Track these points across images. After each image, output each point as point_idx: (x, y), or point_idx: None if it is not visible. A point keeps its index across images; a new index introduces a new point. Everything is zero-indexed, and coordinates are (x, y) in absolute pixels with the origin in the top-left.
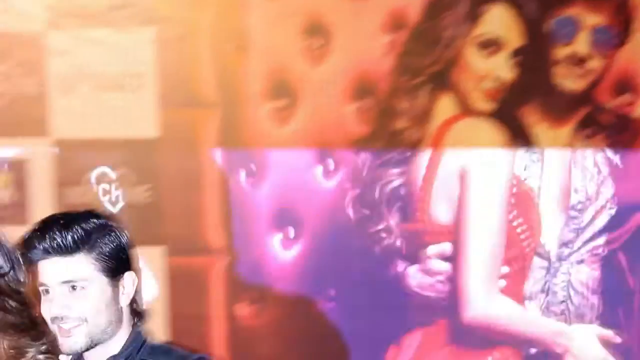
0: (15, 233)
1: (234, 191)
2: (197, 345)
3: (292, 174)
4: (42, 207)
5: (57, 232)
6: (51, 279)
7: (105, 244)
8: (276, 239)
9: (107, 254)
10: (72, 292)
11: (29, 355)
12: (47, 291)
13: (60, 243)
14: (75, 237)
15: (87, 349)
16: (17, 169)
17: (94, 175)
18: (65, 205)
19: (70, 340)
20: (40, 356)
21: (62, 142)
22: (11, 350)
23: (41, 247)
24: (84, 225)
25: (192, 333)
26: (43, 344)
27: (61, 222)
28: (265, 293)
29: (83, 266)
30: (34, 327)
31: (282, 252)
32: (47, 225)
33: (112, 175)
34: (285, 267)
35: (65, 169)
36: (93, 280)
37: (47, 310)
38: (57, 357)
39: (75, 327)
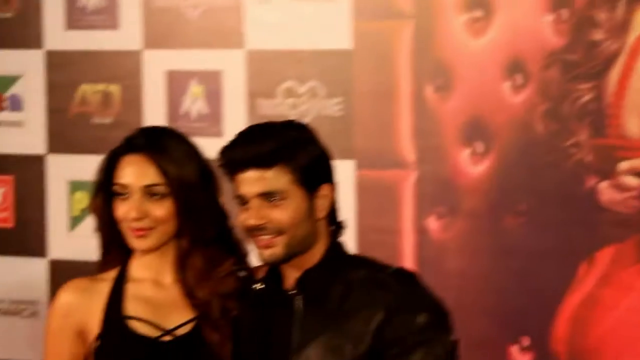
0: (209, 145)
1: (425, 105)
2: (386, 259)
3: (482, 87)
4: (235, 119)
5: (255, 143)
6: (249, 191)
7: (304, 155)
8: (465, 153)
9: (306, 165)
10: (270, 203)
11: (225, 267)
12: (244, 203)
13: (259, 154)
14: (274, 148)
15: (284, 261)
16: (212, 81)
17: (284, 87)
18: (258, 117)
19: (268, 251)
20: (235, 268)
21: (256, 53)
22: (207, 263)
23: (239, 158)
24: (282, 136)
25: (381, 246)
26: (237, 256)
27: (260, 133)
28: (455, 207)
29: (281, 178)
30: (229, 240)
31: (471, 167)
32: (246, 137)
33: (303, 87)
34: (475, 181)
35: (258, 81)
36: (291, 192)
37: (245, 221)
38: (251, 269)
39: (273, 238)
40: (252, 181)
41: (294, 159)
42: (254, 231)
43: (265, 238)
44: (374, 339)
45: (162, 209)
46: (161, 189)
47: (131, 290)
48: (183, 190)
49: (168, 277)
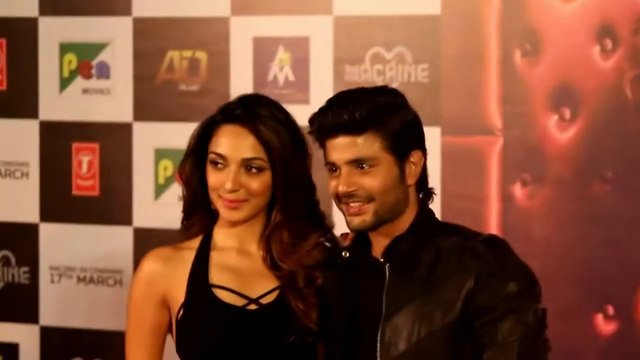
0: (296, 112)
1: (513, 70)
2: (471, 227)
3: (569, 53)
4: (322, 85)
5: (347, 109)
6: (340, 158)
7: (395, 121)
8: (553, 120)
9: (396, 131)
10: (360, 170)
11: (311, 240)
12: (335, 169)
13: (350, 120)
14: (365, 114)
15: (374, 228)
16: (299, 47)
17: (372, 53)
18: (345, 84)
19: (357, 219)
20: (322, 240)
21: (343, 19)
22: (294, 237)
23: (331, 124)
24: (373, 102)
25: (466, 214)
26: (323, 229)
27: (351, 99)
28: (541, 174)
29: (372, 144)
30: (315, 212)
31: (559, 133)
32: (337, 103)
33: (390, 53)
34: (562, 148)
35: (345, 47)
36: (381, 159)
37: (335, 188)
38: (337, 240)
39: (363, 205)
40: (343, 148)
41: (385, 125)
42: (343, 198)
43: (355, 205)
44: (464, 306)
45: (258, 182)
46: (260, 162)
47: (216, 258)
48: (282, 163)
49: (253, 246)
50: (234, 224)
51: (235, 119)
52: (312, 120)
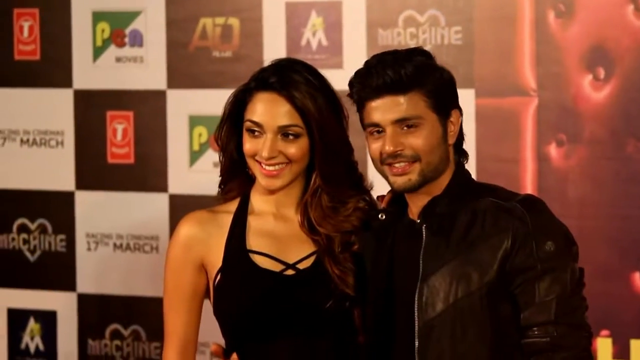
0: (330, 76)
1: (546, 31)
2: (507, 187)
3: (603, 13)
4: (355, 49)
5: (389, 69)
6: (385, 118)
7: (435, 80)
8: (587, 80)
9: (437, 90)
10: (405, 130)
11: (349, 205)
12: (378, 131)
13: (395, 79)
14: (408, 72)
15: (419, 187)
16: (331, 12)
17: (405, 16)
18: (379, 47)
19: (403, 178)
20: (361, 204)
21: None
22: (333, 201)
23: (375, 85)
24: (414, 62)
25: (501, 175)
26: (361, 192)
27: (391, 59)
28: (576, 134)
29: (417, 103)
30: (354, 175)
31: (593, 93)
32: (379, 64)
33: (423, 16)
34: (596, 108)
35: (378, 10)
36: (426, 118)
37: (380, 149)
38: (374, 203)
39: (408, 165)
40: (388, 108)
41: (427, 84)
42: (388, 159)
43: (400, 165)
44: (501, 266)
45: (295, 148)
46: (296, 129)
47: (253, 223)
48: (319, 128)
49: (291, 210)
50: (272, 191)
51: (270, 87)
52: (352, 82)
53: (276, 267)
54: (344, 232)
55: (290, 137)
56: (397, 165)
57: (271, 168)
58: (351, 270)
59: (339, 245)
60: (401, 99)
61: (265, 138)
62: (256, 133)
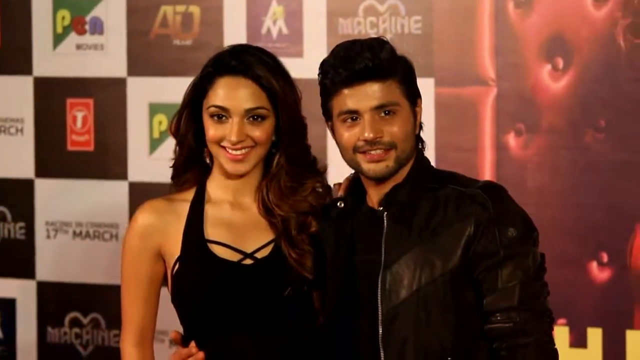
0: (289, 64)
1: (505, 21)
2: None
3: (562, 3)
4: (315, 38)
5: (368, 55)
6: (364, 105)
7: (406, 68)
8: (545, 70)
9: (408, 78)
10: (382, 117)
11: (307, 185)
12: (352, 118)
13: (376, 64)
14: (386, 59)
15: (393, 174)
16: (292, 1)
17: (365, 5)
18: (339, 37)
19: (380, 165)
20: (318, 185)
21: None
22: (292, 181)
23: (356, 69)
24: (386, 50)
25: (460, 164)
26: (319, 175)
27: (365, 46)
28: (535, 124)
29: (394, 90)
30: (311, 159)
31: (551, 83)
32: (353, 51)
33: (383, 5)
34: (555, 97)
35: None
36: (402, 105)
37: (357, 136)
38: (331, 190)
39: (385, 152)
40: (369, 94)
41: (400, 72)
42: (365, 146)
43: (377, 152)
44: (464, 252)
45: (261, 131)
46: (263, 111)
47: (210, 212)
48: (285, 108)
49: (248, 199)
50: (232, 176)
51: (232, 70)
52: (326, 69)
53: (234, 256)
54: (300, 213)
55: (257, 119)
56: (373, 152)
57: (237, 152)
58: (309, 252)
59: (295, 226)
60: (380, 86)
61: (231, 122)
62: (223, 118)
